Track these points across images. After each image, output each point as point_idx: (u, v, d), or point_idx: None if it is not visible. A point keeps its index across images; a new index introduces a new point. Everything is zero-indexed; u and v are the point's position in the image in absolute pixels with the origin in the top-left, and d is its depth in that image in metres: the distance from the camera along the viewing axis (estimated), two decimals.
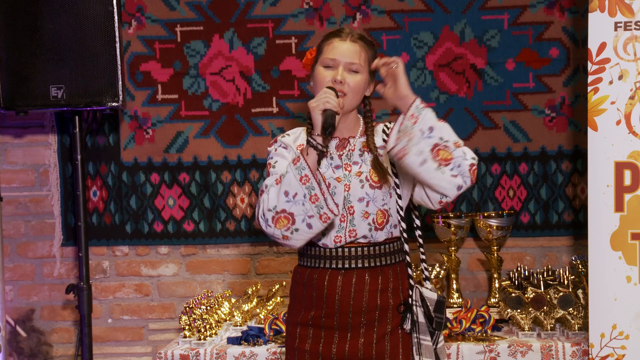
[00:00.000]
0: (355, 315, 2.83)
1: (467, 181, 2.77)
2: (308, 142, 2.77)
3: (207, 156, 4.27)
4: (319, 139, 2.75)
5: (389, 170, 2.87)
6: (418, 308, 2.84)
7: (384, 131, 2.94)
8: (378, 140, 2.92)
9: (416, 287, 2.87)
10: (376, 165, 2.86)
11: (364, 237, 2.85)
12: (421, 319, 2.84)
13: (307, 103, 2.80)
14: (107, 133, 4.31)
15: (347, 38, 2.88)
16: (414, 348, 2.85)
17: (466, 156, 2.78)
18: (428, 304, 2.84)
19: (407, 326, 2.84)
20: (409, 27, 4.19)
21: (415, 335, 2.85)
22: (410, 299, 2.86)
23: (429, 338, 2.85)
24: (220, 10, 4.24)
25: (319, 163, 2.78)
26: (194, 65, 4.26)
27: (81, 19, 3.90)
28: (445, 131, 2.75)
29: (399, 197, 2.88)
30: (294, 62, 4.22)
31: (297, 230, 2.74)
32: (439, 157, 2.73)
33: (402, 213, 2.89)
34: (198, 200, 4.28)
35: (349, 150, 2.90)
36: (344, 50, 2.85)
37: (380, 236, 2.87)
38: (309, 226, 2.74)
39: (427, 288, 2.91)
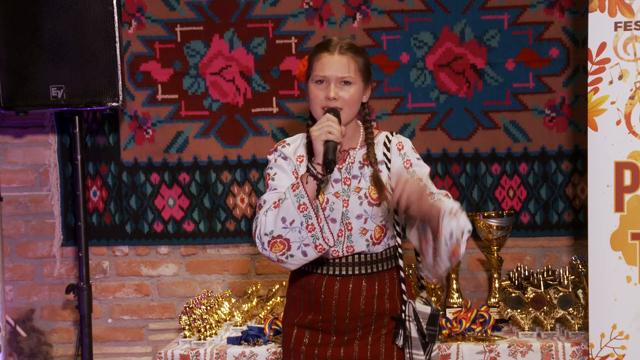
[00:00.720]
0: (352, 320, 2.83)
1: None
2: (308, 169, 2.75)
3: (207, 156, 4.27)
4: (319, 168, 2.73)
5: (388, 187, 2.84)
6: (411, 323, 2.84)
7: (385, 144, 2.90)
8: (378, 153, 2.88)
9: (409, 302, 2.85)
10: (375, 181, 2.83)
11: (362, 252, 2.85)
12: (414, 333, 2.83)
13: (310, 130, 2.77)
14: (107, 133, 4.31)
15: (335, 51, 2.83)
16: None
17: (464, 235, 2.71)
18: (421, 318, 2.83)
19: (400, 342, 2.84)
20: (409, 27, 4.19)
21: (407, 350, 2.84)
22: (402, 314, 2.85)
23: (421, 352, 2.83)
24: (220, 10, 4.24)
25: (318, 191, 2.76)
26: (194, 65, 4.26)
27: (81, 19, 3.90)
28: (459, 228, 2.67)
29: (396, 212, 2.86)
30: (294, 62, 4.22)
31: (292, 256, 2.74)
32: (454, 255, 2.71)
33: (398, 228, 2.89)
34: (198, 200, 4.28)
35: (349, 163, 2.88)
36: (333, 65, 2.81)
37: (378, 249, 2.87)
38: (304, 254, 2.74)
39: (422, 297, 2.90)
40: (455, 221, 2.66)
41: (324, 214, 2.76)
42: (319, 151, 2.72)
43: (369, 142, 2.88)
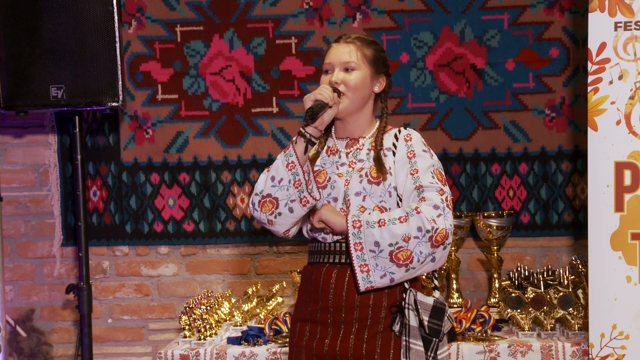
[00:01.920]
0: (348, 311, 2.83)
1: (440, 250, 2.77)
2: (299, 131, 2.83)
3: (207, 156, 4.27)
4: (308, 129, 2.81)
5: (390, 170, 2.87)
6: (410, 312, 2.84)
7: (395, 135, 2.93)
8: (387, 142, 2.92)
9: (410, 290, 2.85)
10: (377, 160, 2.86)
11: None
12: (412, 322, 2.83)
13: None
14: (107, 133, 4.31)
15: (342, 40, 2.92)
16: (402, 351, 2.83)
17: (421, 236, 2.74)
18: (420, 307, 2.83)
19: (396, 328, 2.84)
20: (409, 27, 4.19)
21: (404, 338, 2.83)
22: (403, 302, 2.85)
23: (420, 343, 2.82)
24: (220, 10, 4.24)
25: (307, 150, 2.82)
26: (194, 65, 4.26)
27: (81, 19, 3.90)
28: (389, 234, 2.74)
29: (400, 199, 2.88)
30: (294, 62, 4.22)
31: (280, 214, 2.81)
32: (400, 261, 2.75)
33: None
34: (198, 200, 4.28)
35: (357, 149, 2.93)
36: (337, 52, 2.90)
37: None
38: (291, 210, 2.80)
39: (433, 297, 2.89)
40: (384, 230, 2.74)
41: (315, 180, 2.83)
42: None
43: (379, 130, 2.94)
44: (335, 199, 2.87)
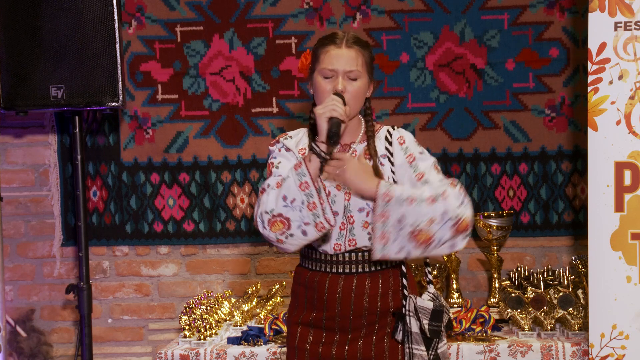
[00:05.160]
0: (356, 319, 2.82)
1: (460, 238, 2.75)
2: (311, 148, 2.74)
3: (207, 156, 4.27)
4: (323, 147, 2.72)
5: (390, 180, 2.85)
6: (411, 318, 2.83)
7: (386, 138, 2.89)
8: (379, 147, 2.88)
9: (410, 297, 2.84)
10: (376, 173, 2.82)
11: (364, 246, 2.84)
12: (414, 329, 2.82)
13: (314, 109, 2.77)
14: (107, 133, 4.31)
15: (343, 44, 2.82)
16: (406, 359, 2.83)
17: (444, 222, 2.71)
18: (420, 314, 2.82)
19: (399, 337, 2.83)
20: (409, 27, 4.19)
21: (407, 345, 2.82)
22: (403, 309, 2.84)
23: (423, 348, 2.81)
24: (220, 10, 4.24)
25: (321, 170, 2.75)
26: (194, 65, 4.26)
27: (81, 19, 3.90)
28: (414, 213, 2.70)
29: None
30: (294, 62, 4.22)
31: (291, 235, 2.73)
32: (419, 241, 2.72)
33: None
34: (198, 200, 4.28)
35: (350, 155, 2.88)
36: (341, 59, 2.81)
37: None
38: (304, 233, 2.72)
39: (429, 292, 2.89)
40: (412, 208, 2.69)
41: (327, 199, 2.75)
42: (322, 129, 2.72)
43: (369, 135, 2.88)
44: (336, 213, 2.80)
